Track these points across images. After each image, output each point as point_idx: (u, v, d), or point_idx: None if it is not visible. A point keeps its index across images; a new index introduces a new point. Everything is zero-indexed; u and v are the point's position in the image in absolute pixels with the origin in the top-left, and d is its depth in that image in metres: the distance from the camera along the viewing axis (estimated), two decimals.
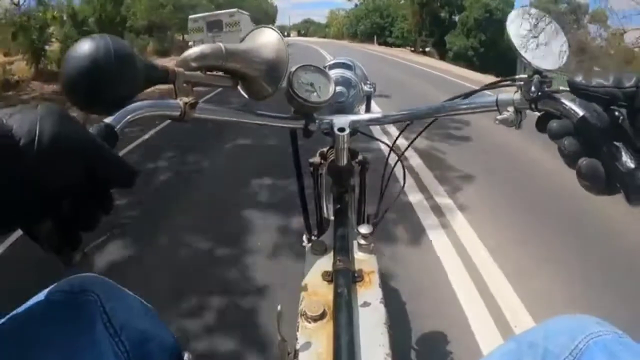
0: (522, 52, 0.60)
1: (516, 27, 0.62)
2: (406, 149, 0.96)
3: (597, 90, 0.49)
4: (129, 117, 0.52)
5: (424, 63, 19.59)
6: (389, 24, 46.73)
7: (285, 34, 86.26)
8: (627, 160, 0.47)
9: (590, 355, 0.52)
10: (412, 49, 35.90)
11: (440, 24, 34.80)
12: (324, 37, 70.77)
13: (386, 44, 43.89)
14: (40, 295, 0.52)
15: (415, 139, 0.91)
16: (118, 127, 0.49)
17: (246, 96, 0.71)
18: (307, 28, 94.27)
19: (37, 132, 0.35)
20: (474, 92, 0.74)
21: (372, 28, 48.44)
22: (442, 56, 30.33)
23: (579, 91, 0.51)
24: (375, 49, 34.56)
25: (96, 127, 0.47)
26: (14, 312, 0.49)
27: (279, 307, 0.59)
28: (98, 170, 0.39)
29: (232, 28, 20.38)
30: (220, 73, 0.65)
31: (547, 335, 0.57)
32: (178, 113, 0.57)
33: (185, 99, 0.57)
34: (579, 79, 0.50)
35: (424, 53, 32.53)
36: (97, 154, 0.39)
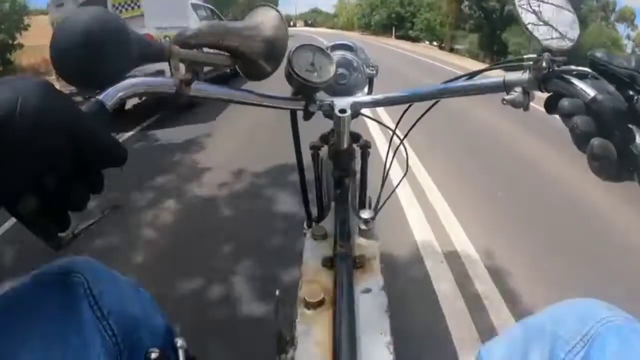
0: (532, 31, 0.57)
1: (526, 4, 0.60)
2: (408, 131, 0.94)
3: (619, 70, 0.47)
4: (121, 93, 0.50)
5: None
6: (410, 14, 40.19)
7: (291, 23, 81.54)
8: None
9: (602, 340, 0.50)
10: (440, 45, 31.43)
11: (489, 16, 28.29)
12: (332, 27, 65.81)
13: (406, 37, 37.87)
14: (27, 277, 0.51)
15: (417, 120, 0.89)
16: (110, 103, 0.48)
17: (244, 76, 0.68)
18: (314, 18, 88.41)
19: (19, 104, 0.33)
20: (480, 71, 0.71)
21: (389, 18, 41.90)
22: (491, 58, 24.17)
23: (599, 68, 0.49)
24: (394, 43, 30.40)
25: (87, 104, 0.45)
26: (0, 292, 0.48)
27: (277, 293, 0.57)
28: (84, 147, 0.38)
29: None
30: (218, 51, 0.63)
31: (556, 320, 0.56)
32: (173, 91, 0.55)
33: (181, 76, 0.55)
34: (600, 54, 0.48)
35: (451, 51, 28.64)
36: (82, 130, 0.38)
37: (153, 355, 0.50)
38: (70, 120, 0.37)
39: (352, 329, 0.54)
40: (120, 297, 0.54)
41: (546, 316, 0.58)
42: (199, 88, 0.59)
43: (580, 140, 0.49)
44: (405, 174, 1.04)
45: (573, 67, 0.56)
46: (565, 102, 0.51)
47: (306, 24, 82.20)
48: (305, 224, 1.07)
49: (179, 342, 0.58)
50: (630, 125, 0.47)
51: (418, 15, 38.55)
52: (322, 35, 29.92)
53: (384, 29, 41.95)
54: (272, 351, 0.57)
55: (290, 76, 0.70)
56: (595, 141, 0.47)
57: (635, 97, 0.47)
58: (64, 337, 0.46)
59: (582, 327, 0.53)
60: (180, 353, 0.57)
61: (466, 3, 30.28)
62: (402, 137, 0.92)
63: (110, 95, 0.48)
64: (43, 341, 0.45)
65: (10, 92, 0.34)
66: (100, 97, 0.47)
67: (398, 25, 39.98)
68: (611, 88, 0.49)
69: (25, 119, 0.33)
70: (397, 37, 37.88)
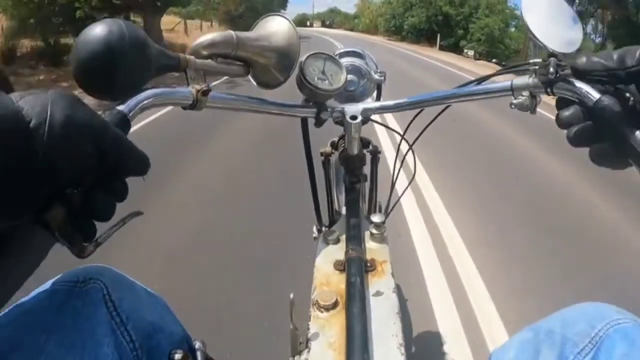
0: (538, 36, 0.59)
1: (532, 10, 0.61)
2: (417, 137, 0.95)
3: (599, 72, 0.48)
4: (141, 104, 0.51)
5: None
6: (463, 18, 29.84)
7: (308, 23, 78.48)
8: None
9: (610, 343, 0.51)
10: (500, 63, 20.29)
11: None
12: (352, 29, 59.00)
13: (452, 48, 27.50)
14: (46, 285, 0.52)
15: (426, 127, 0.90)
16: (131, 114, 0.49)
17: (256, 84, 0.70)
18: (332, 18, 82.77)
19: (49, 114, 0.35)
20: (488, 77, 0.73)
21: (429, 22, 31.46)
22: None
23: (581, 74, 0.50)
24: (441, 58, 21.20)
25: (108, 114, 0.46)
26: (20, 300, 0.49)
27: (291, 295, 0.58)
28: (110, 156, 0.39)
29: None
30: (231, 61, 0.65)
31: (565, 324, 0.57)
32: (190, 101, 0.56)
33: (197, 87, 0.57)
34: (581, 60, 0.50)
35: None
36: (108, 139, 0.39)
37: (177, 356, 0.51)
38: (97, 130, 0.38)
39: (365, 331, 0.55)
40: (138, 303, 0.55)
41: (556, 320, 0.59)
42: (215, 97, 0.61)
43: (578, 142, 0.51)
44: (413, 178, 1.06)
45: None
46: (564, 113, 0.53)
47: (323, 25, 78.42)
48: (314, 228, 1.08)
49: (197, 344, 0.59)
50: (631, 124, 0.48)
51: (476, 21, 28.65)
52: (340, 39, 25.32)
53: (419, 36, 32.68)
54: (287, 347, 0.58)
55: (302, 84, 0.71)
56: (595, 146, 0.49)
57: (632, 99, 0.48)
58: (82, 343, 0.47)
59: (591, 330, 0.53)
60: (199, 355, 0.58)
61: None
62: (411, 142, 0.93)
63: (131, 106, 0.50)
64: (61, 348, 0.45)
65: (40, 101, 0.35)
66: (121, 107, 0.49)
67: (445, 33, 29.80)
68: (611, 89, 0.51)
69: (54, 128, 0.35)
70: (442, 48, 27.86)
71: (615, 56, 0.48)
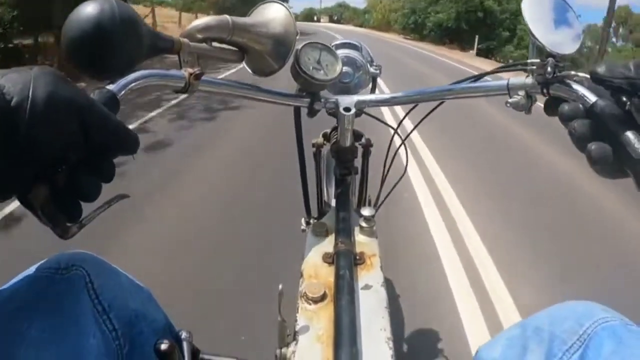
0: (537, 36, 0.58)
1: (532, 10, 0.61)
2: (410, 132, 0.95)
3: (620, 81, 0.48)
4: (131, 85, 0.50)
5: None
6: (509, 16, 24.25)
7: (315, 18, 76.46)
8: (638, 148, 0.46)
9: (598, 341, 0.51)
10: None
11: None
12: (361, 25, 53.12)
13: (490, 54, 22.68)
14: (28, 271, 0.50)
15: (419, 122, 0.90)
16: (120, 94, 0.48)
17: (251, 71, 0.69)
18: (340, 13, 77.91)
19: (31, 90, 0.34)
20: (484, 74, 0.72)
21: (459, 19, 25.16)
22: None
23: (601, 82, 0.50)
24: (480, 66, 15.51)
25: (97, 92, 0.45)
26: (0, 287, 0.48)
27: (280, 287, 0.58)
28: (95, 134, 0.38)
29: None
30: (226, 46, 0.64)
31: (553, 321, 0.57)
32: (182, 84, 0.55)
33: (190, 70, 0.55)
34: (601, 69, 0.49)
35: None
36: (94, 117, 0.38)
37: (163, 346, 0.50)
38: (81, 106, 0.37)
39: (353, 324, 0.54)
40: (121, 291, 0.54)
41: (544, 317, 0.59)
42: (208, 82, 0.60)
43: (579, 142, 0.50)
44: (404, 173, 1.05)
45: (573, 72, 0.58)
46: (565, 107, 0.52)
47: (331, 20, 75.54)
48: (303, 220, 1.07)
49: (183, 334, 0.58)
50: (628, 130, 0.47)
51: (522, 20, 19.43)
52: (347, 37, 21.88)
53: (442, 36, 26.42)
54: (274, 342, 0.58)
55: (297, 73, 0.70)
56: (593, 145, 0.49)
57: (629, 103, 0.48)
58: (63, 330, 0.46)
59: (579, 328, 0.54)
60: (185, 345, 0.57)
61: None
62: (404, 137, 0.93)
63: (121, 86, 0.49)
64: (42, 334, 0.44)
65: (22, 79, 0.34)
66: (111, 87, 0.48)
67: (478, 32, 22.81)
68: (608, 93, 0.51)
69: (36, 105, 0.34)
70: (480, 53, 22.09)
71: (632, 66, 0.48)
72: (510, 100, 0.64)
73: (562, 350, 0.53)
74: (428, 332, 1.91)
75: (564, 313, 0.58)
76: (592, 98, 0.51)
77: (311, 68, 0.71)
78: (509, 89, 0.64)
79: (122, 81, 0.49)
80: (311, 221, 0.95)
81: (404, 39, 28.21)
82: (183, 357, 0.49)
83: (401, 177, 1.02)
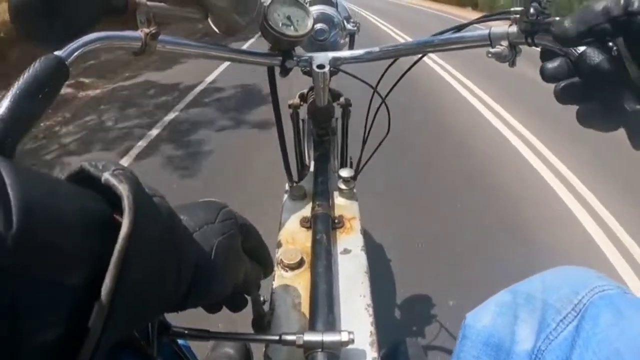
0: None
1: None
2: (390, 89, 0.91)
3: (585, 33, 0.44)
4: (82, 49, 0.47)
5: None
6: None
7: None
8: (631, 100, 0.43)
9: (595, 310, 0.48)
10: None
11: None
12: None
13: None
14: None
15: (400, 78, 0.86)
16: (69, 60, 0.45)
17: (217, 30, 0.65)
18: None
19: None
20: (466, 25, 0.69)
21: None
22: None
23: (569, 43, 0.46)
24: None
25: (44, 61, 0.42)
26: None
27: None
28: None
29: None
30: (187, 3, 0.60)
31: (546, 288, 0.53)
32: (139, 45, 0.52)
33: (146, 30, 0.52)
34: (563, 28, 0.45)
35: None
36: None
37: None
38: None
39: (331, 291, 0.53)
40: None
41: (536, 283, 0.56)
42: (167, 42, 0.56)
43: (566, 102, 0.47)
44: (387, 134, 1.02)
45: (559, 18, 0.54)
46: (547, 66, 0.49)
47: None
48: (287, 185, 1.05)
49: None
50: (618, 83, 0.44)
51: None
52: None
53: None
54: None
55: (266, 30, 0.66)
56: (582, 106, 0.46)
57: (615, 48, 0.44)
58: None
59: (574, 297, 0.50)
60: None
61: None
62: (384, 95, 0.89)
63: (70, 50, 0.45)
64: None
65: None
66: (59, 52, 0.44)
67: None
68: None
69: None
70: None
71: (598, 8, 0.43)
72: (491, 50, 0.60)
73: (555, 321, 0.50)
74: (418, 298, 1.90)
75: (557, 280, 0.54)
76: (579, 48, 0.47)
77: (280, 24, 0.67)
78: (491, 39, 0.61)
79: (72, 45, 0.46)
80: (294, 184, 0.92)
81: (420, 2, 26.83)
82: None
83: (383, 139, 0.99)
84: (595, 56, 0.45)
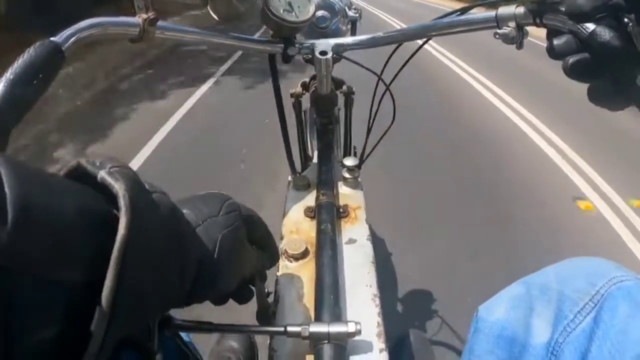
0: None
1: None
2: (395, 76, 0.90)
3: (597, 7, 0.43)
4: (78, 34, 0.45)
5: None
6: None
7: None
8: None
9: (613, 301, 0.46)
10: None
11: None
12: None
13: None
14: None
15: (405, 64, 0.84)
16: (66, 45, 0.43)
17: (215, 17, 0.64)
18: None
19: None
20: (471, 7, 0.67)
21: None
22: None
23: (583, 19, 0.45)
24: None
25: (40, 46, 0.41)
26: None
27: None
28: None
29: None
30: None
31: (561, 279, 0.52)
32: (136, 31, 0.50)
33: (144, 15, 0.50)
34: (577, 2, 0.44)
35: None
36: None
37: None
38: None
39: (336, 281, 0.51)
40: None
41: (550, 274, 0.54)
42: (166, 28, 0.55)
43: (575, 79, 0.46)
44: (392, 123, 1.00)
45: None
46: (555, 42, 0.47)
47: None
48: (290, 176, 1.03)
49: None
50: (630, 60, 0.43)
51: None
52: None
53: None
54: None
55: (267, 16, 0.65)
56: (593, 83, 0.45)
57: (630, 24, 0.43)
58: None
59: (591, 287, 0.49)
60: None
61: None
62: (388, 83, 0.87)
63: (66, 37, 0.44)
64: None
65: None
66: (55, 38, 0.43)
67: None
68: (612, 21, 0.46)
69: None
70: None
71: None
72: (499, 31, 0.59)
73: (573, 312, 0.48)
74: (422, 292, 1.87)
75: (572, 270, 0.53)
76: (589, 26, 0.45)
77: (281, 10, 0.65)
78: (498, 20, 0.59)
79: (67, 31, 0.45)
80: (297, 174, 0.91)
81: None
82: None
83: (389, 127, 0.97)
84: (606, 34, 0.44)
